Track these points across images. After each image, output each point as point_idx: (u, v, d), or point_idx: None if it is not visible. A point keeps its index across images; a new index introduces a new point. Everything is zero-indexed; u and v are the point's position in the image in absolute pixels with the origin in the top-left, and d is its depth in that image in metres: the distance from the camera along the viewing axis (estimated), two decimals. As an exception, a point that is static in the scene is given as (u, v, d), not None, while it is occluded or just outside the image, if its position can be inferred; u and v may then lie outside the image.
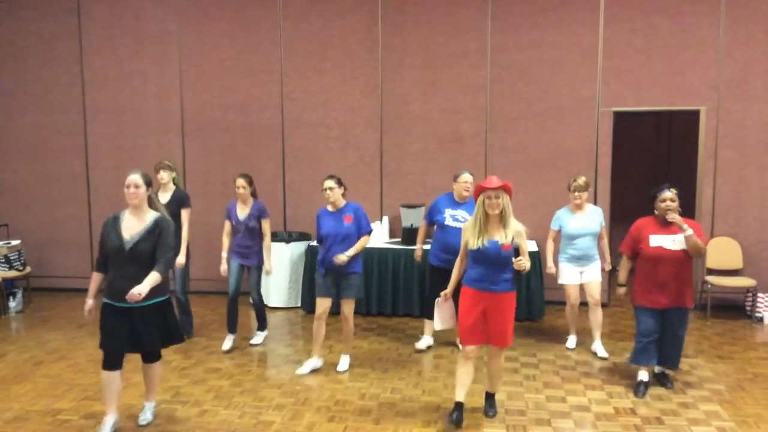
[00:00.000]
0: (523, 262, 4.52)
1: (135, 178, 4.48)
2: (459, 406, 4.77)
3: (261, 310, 6.66)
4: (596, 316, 6.37)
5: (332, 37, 8.26)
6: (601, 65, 7.83)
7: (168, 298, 4.65)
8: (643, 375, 5.45)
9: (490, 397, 5.05)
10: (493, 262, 4.60)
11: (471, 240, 4.64)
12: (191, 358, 6.22)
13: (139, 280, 4.31)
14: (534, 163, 8.01)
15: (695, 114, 7.79)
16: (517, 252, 4.54)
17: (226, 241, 6.49)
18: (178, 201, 6.52)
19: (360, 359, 6.10)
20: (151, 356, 4.72)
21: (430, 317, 6.36)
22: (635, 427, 4.71)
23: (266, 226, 6.45)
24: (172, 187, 6.60)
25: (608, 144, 7.89)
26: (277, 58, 8.37)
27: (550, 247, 6.48)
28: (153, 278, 4.35)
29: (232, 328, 6.52)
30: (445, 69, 8.10)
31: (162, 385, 5.43)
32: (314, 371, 5.84)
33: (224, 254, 6.48)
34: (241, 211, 6.42)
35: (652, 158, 10.08)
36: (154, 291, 4.41)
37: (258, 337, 6.70)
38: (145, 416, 4.81)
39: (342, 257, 5.58)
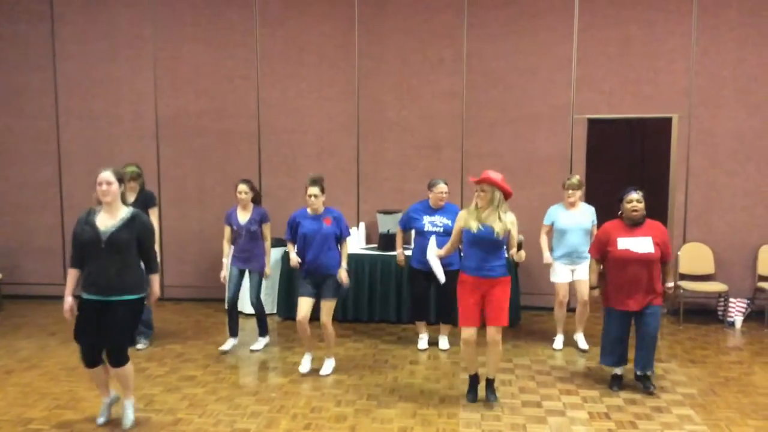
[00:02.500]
0: (521, 253, 5.04)
1: (107, 175, 4.54)
2: (475, 378, 5.33)
3: (261, 316, 6.64)
4: (583, 312, 6.61)
5: (309, 43, 8.25)
6: (575, 73, 7.92)
7: (143, 297, 4.68)
8: (617, 370, 5.60)
9: (489, 383, 5.30)
10: (488, 247, 4.96)
11: (471, 224, 4.99)
12: (165, 365, 6.15)
13: (117, 273, 4.45)
14: (509, 170, 8.01)
15: (667, 121, 7.91)
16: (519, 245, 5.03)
17: (226, 247, 6.56)
18: (144, 201, 6.50)
19: (336, 366, 6.07)
20: (117, 361, 4.64)
21: (420, 318, 6.75)
22: (609, 432, 4.76)
23: (267, 231, 6.52)
24: (137, 188, 6.59)
25: (582, 151, 7.97)
26: (253, 64, 8.35)
27: (544, 240, 6.67)
28: (156, 281, 4.69)
29: (233, 332, 6.58)
30: (421, 76, 8.14)
31: (135, 393, 5.34)
32: (291, 378, 5.81)
33: (225, 260, 6.55)
34: (242, 216, 6.46)
35: (625, 165, 10.18)
36: (132, 287, 4.55)
37: (258, 343, 6.66)
38: (127, 415, 4.80)
39: (344, 277, 5.83)
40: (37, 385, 5.65)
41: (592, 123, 8.02)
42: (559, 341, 6.70)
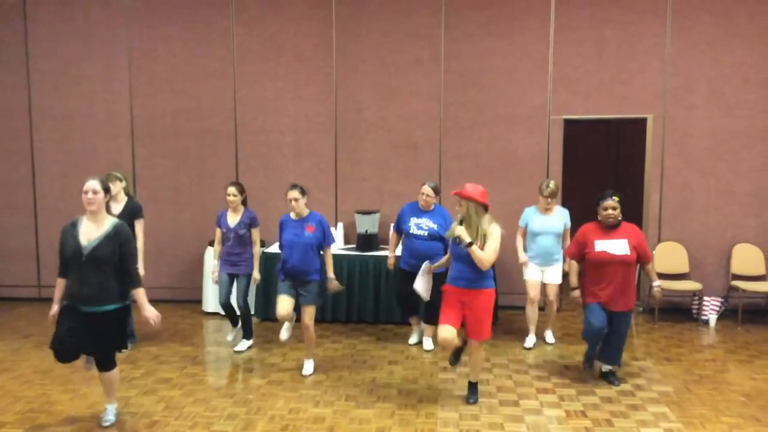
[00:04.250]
0: (464, 240, 4.93)
1: (93, 183, 4.53)
2: (456, 350, 5.45)
3: (247, 318, 6.60)
4: (551, 311, 6.84)
5: (286, 43, 8.22)
6: (551, 74, 7.97)
7: (127, 305, 4.68)
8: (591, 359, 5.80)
9: (472, 385, 5.36)
10: (464, 259, 5.00)
11: (449, 234, 5.13)
12: (140, 368, 6.09)
13: (98, 286, 4.45)
14: (486, 170, 8.09)
15: (642, 122, 7.99)
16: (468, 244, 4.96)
17: (217, 249, 6.55)
18: (130, 212, 6.46)
19: (314, 366, 6.05)
20: (105, 365, 4.68)
21: (411, 314, 6.81)
22: (586, 430, 4.79)
23: (256, 235, 6.50)
24: (123, 198, 6.54)
25: (559, 151, 8.03)
26: (229, 63, 8.29)
27: (519, 242, 6.79)
28: (143, 295, 4.68)
29: (234, 323, 6.60)
30: (399, 76, 8.14)
31: (110, 396, 5.32)
32: (269, 380, 5.78)
33: (216, 261, 6.55)
34: (231, 219, 6.45)
35: (601, 165, 10.28)
36: (116, 296, 4.55)
37: (242, 345, 6.64)
38: (107, 417, 4.82)
39: (334, 285, 5.99)
40: (10, 389, 5.56)
41: (569, 123, 8.08)
42: (530, 340, 6.76)
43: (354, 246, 7.92)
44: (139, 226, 6.51)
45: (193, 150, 8.41)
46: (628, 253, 5.40)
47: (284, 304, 5.80)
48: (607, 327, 5.53)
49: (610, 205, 5.44)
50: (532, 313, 6.74)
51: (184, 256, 8.39)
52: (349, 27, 8.14)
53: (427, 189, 6.40)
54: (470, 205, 4.99)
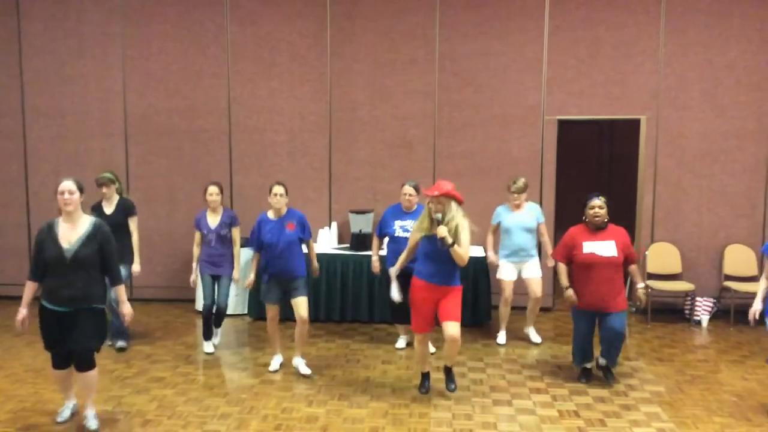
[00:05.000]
0: (449, 241, 4.89)
1: (68, 184, 4.51)
2: (426, 376, 5.47)
3: (222, 314, 6.55)
4: (534, 307, 6.84)
5: (280, 42, 8.21)
6: (545, 74, 7.98)
7: (104, 308, 4.68)
8: (586, 364, 5.81)
9: (449, 371, 5.40)
10: (437, 258, 5.02)
11: (414, 237, 5.17)
12: (133, 367, 6.08)
13: (82, 287, 4.42)
14: (481, 170, 8.10)
15: (636, 123, 8.01)
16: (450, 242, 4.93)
17: (196, 251, 6.50)
18: (124, 210, 6.49)
19: (308, 366, 6.05)
20: (83, 365, 4.62)
21: (400, 321, 6.55)
22: (579, 430, 4.80)
23: (236, 235, 6.48)
24: (116, 197, 6.53)
25: (552, 151, 8.04)
26: (224, 62, 8.28)
27: (489, 240, 6.88)
28: (123, 292, 4.70)
29: (209, 336, 6.53)
30: (393, 75, 8.14)
31: (103, 394, 5.29)
32: (262, 379, 5.78)
33: (194, 264, 6.51)
34: (212, 220, 6.42)
35: (594, 165, 10.31)
36: (98, 297, 4.54)
37: (216, 337, 6.64)
38: (89, 423, 4.74)
39: (316, 268, 6.05)
40: (2, 387, 5.54)
41: (563, 124, 8.09)
42: (502, 336, 6.89)
43: (348, 245, 7.91)
44: (133, 224, 6.53)
45: (186, 149, 8.39)
46: (616, 254, 5.47)
47: (273, 310, 5.82)
48: (600, 330, 5.59)
49: (597, 205, 5.52)
50: (505, 312, 6.86)
51: (178, 255, 8.37)
52: (344, 26, 8.14)
53: (408, 189, 6.33)
54: (450, 204, 5.01)
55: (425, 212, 5.11)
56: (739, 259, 7.82)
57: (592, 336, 5.69)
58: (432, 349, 6.62)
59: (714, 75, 7.81)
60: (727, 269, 7.83)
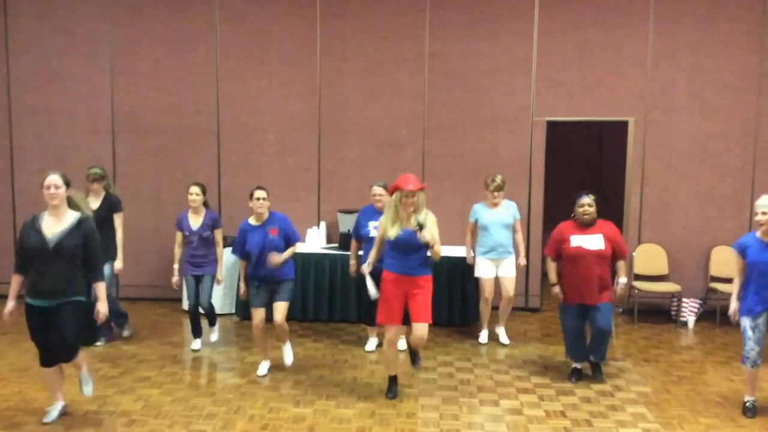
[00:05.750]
0: (432, 244, 4.93)
1: (54, 178, 4.53)
2: (393, 379, 5.40)
3: (212, 314, 6.60)
4: (506, 307, 6.86)
5: (270, 41, 8.18)
6: (535, 76, 8.00)
7: (89, 300, 4.64)
8: (577, 363, 5.84)
9: (414, 352, 5.47)
10: (408, 249, 5.03)
11: (389, 231, 5.05)
12: (119, 366, 6.04)
13: (64, 278, 4.44)
14: (470, 171, 8.10)
15: (624, 125, 8.04)
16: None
17: (177, 252, 6.46)
18: (110, 205, 6.49)
19: (295, 366, 6.03)
20: (68, 358, 4.68)
21: (371, 324, 6.55)
22: (565, 430, 4.80)
23: (219, 236, 6.44)
24: (102, 193, 6.52)
25: (541, 152, 8.06)
26: (212, 60, 8.24)
27: (468, 238, 6.92)
28: (102, 290, 4.61)
29: (197, 333, 6.53)
30: (383, 75, 8.13)
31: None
32: (249, 379, 5.76)
33: (176, 266, 6.48)
34: (194, 221, 6.37)
35: (583, 167, 10.34)
36: (80, 290, 4.54)
37: (213, 335, 6.68)
38: (87, 387, 4.87)
39: (276, 259, 5.60)
40: (-14, 387, 5.50)
41: (552, 125, 8.11)
42: (484, 336, 6.92)
43: (336, 245, 7.90)
44: (118, 220, 6.50)
45: (174, 147, 8.35)
46: (603, 247, 5.54)
47: (259, 316, 5.73)
48: (588, 323, 5.67)
49: (586, 203, 5.61)
50: (485, 310, 6.87)
51: (164, 255, 8.30)
52: (334, 26, 8.12)
53: (378, 190, 6.34)
54: (421, 197, 5.04)
55: (393, 207, 5.04)
56: (725, 260, 7.85)
57: (583, 332, 5.73)
58: (403, 345, 6.60)
59: (702, 78, 7.85)
60: (714, 271, 7.87)
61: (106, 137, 8.37)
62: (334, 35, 8.13)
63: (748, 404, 5.12)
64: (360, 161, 8.24)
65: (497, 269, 6.77)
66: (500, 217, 6.69)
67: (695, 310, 7.72)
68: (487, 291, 6.77)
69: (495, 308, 6.97)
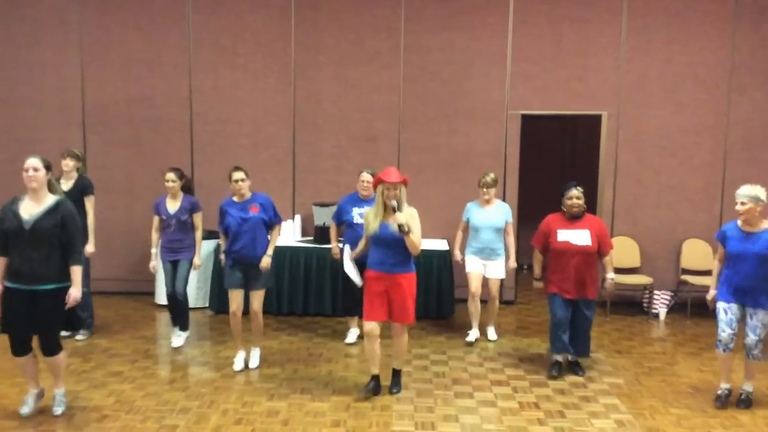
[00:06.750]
0: (406, 230, 4.88)
1: (34, 161, 4.53)
2: (375, 377, 5.28)
3: (184, 308, 6.44)
4: (493, 307, 6.80)
5: (244, 32, 8.10)
6: (509, 69, 8.02)
7: (67, 286, 4.57)
8: (558, 356, 5.82)
9: (396, 374, 5.39)
10: (389, 245, 5.01)
11: (371, 225, 5.06)
12: (90, 361, 5.95)
13: (41, 262, 4.42)
14: (445, 163, 8.11)
15: (597, 118, 8.11)
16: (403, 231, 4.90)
17: (155, 236, 6.39)
18: (81, 188, 6.38)
19: (269, 359, 6.00)
20: (49, 350, 4.62)
21: (351, 313, 6.64)
22: (538, 421, 4.84)
23: (198, 220, 6.35)
24: (75, 175, 6.43)
25: (516, 145, 8.09)
26: (185, 51, 8.14)
27: (458, 237, 6.84)
28: (78, 273, 4.53)
29: (175, 323, 6.48)
30: (358, 68, 8.10)
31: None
32: (223, 373, 5.71)
33: (154, 250, 6.39)
34: (171, 206, 6.29)
35: (557, 160, 10.41)
36: (57, 276, 4.50)
37: (179, 339, 6.48)
38: (58, 406, 4.79)
39: (266, 263, 5.70)
40: (-48, 383, 5.39)
41: (526, 119, 8.15)
42: (472, 334, 6.75)
43: (311, 238, 7.86)
44: (89, 203, 6.39)
45: (147, 139, 8.24)
46: (590, 243, 5.56)
47: (236, 299, 5.73)
48: (569, 316, 5.69)
49: (575, 195, 5.62)
50: (473, 307, 6.72)
51: (137, 247, 8.22)
52: (309, 17, 8.06)
53: (366, 176, 6.38)
54: (403, 191, 5.03)
55: (378, 199, 5.05)
56: (696, 253, 7.98)
57: (568, 324, 5.72)
58: (353, 338, 6.63)
59: (674, 72, 7.93)
60: (685, 263, 7.98)
61: (76, 129, 8.23)
62: (308, 27, 8.07)
63: (720, 392, 5.19)
64: (335, 154, 8.20)
65: (485, 269, 6.68)
66: (491, 219, 6.58)
67: (666, 302, 7.82)
68: (473, 286, 6.64)
69: (483, 301, 6.88)
